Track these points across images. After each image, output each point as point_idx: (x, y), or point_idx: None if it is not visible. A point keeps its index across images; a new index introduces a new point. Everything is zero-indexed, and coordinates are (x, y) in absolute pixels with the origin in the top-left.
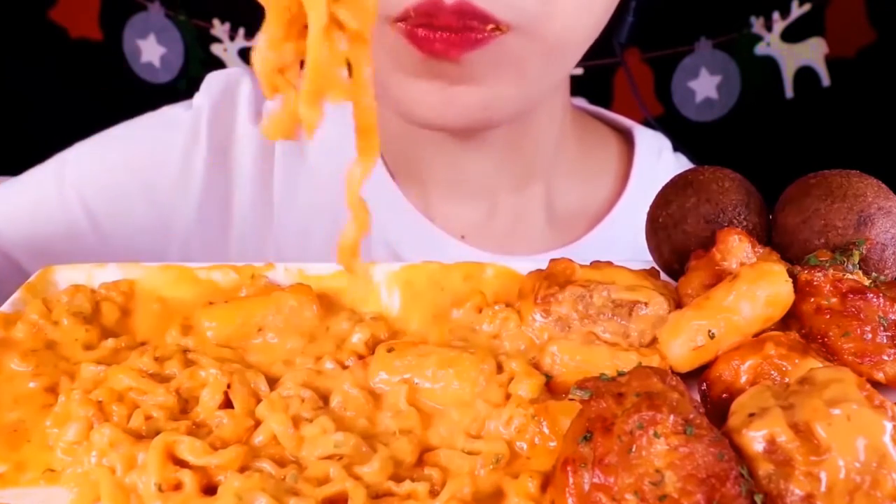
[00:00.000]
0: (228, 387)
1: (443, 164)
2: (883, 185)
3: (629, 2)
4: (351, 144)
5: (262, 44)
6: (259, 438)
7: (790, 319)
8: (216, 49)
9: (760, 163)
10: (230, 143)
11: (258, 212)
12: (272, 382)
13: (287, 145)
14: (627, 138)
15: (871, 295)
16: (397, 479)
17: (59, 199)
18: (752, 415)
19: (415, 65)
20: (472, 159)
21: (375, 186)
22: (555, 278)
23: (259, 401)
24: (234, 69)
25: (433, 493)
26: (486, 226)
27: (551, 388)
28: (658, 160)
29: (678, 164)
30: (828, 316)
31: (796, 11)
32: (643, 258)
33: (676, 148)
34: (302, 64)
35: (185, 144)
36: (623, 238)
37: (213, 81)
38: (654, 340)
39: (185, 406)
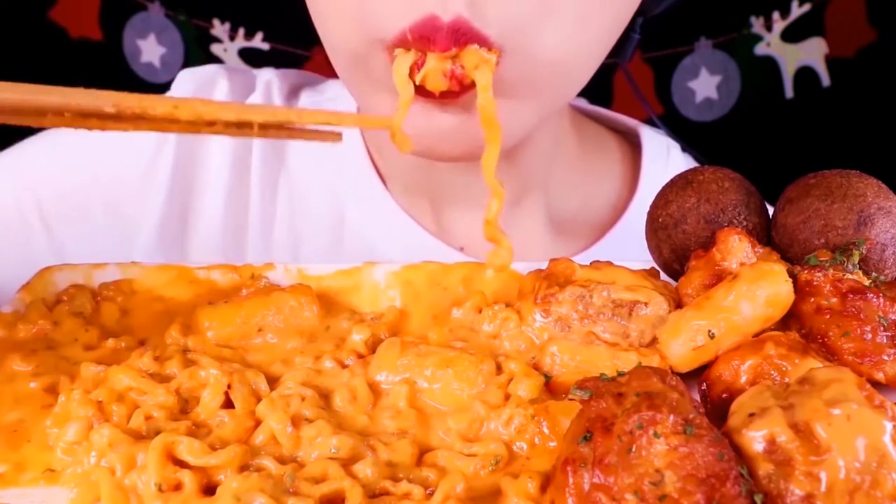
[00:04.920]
0: (229, 387)
1: (435, 178)
2: (883, 185)
3: (634, 19)
4: (330, 148)
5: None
6: (259, 438)
7: (790, 319)
8: (216, 49)
9: (760, 163)
10: (200, 150)
11: (230, 220)
12: (272, 382)
13: (266, 150)
14: (631, 139)
15: (871, 295)
16: (395, 479)
17: (14, 202)
18: (752, 415)
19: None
20: (464, 172)
21: (369, 198)
22: (555, 278)
23: (260, 400)
24: (209, 67)
25: (431, 494)
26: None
27: (551, 389)
28: (668, 159)
29: (687, 164)
30: (828, 316)
31: (796, 11)
32: (643, 258)
33: (685, 148)
34: None
35: (152, 150)
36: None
37: (184, 80)
38: (654, 340)
39: (185, 406)
